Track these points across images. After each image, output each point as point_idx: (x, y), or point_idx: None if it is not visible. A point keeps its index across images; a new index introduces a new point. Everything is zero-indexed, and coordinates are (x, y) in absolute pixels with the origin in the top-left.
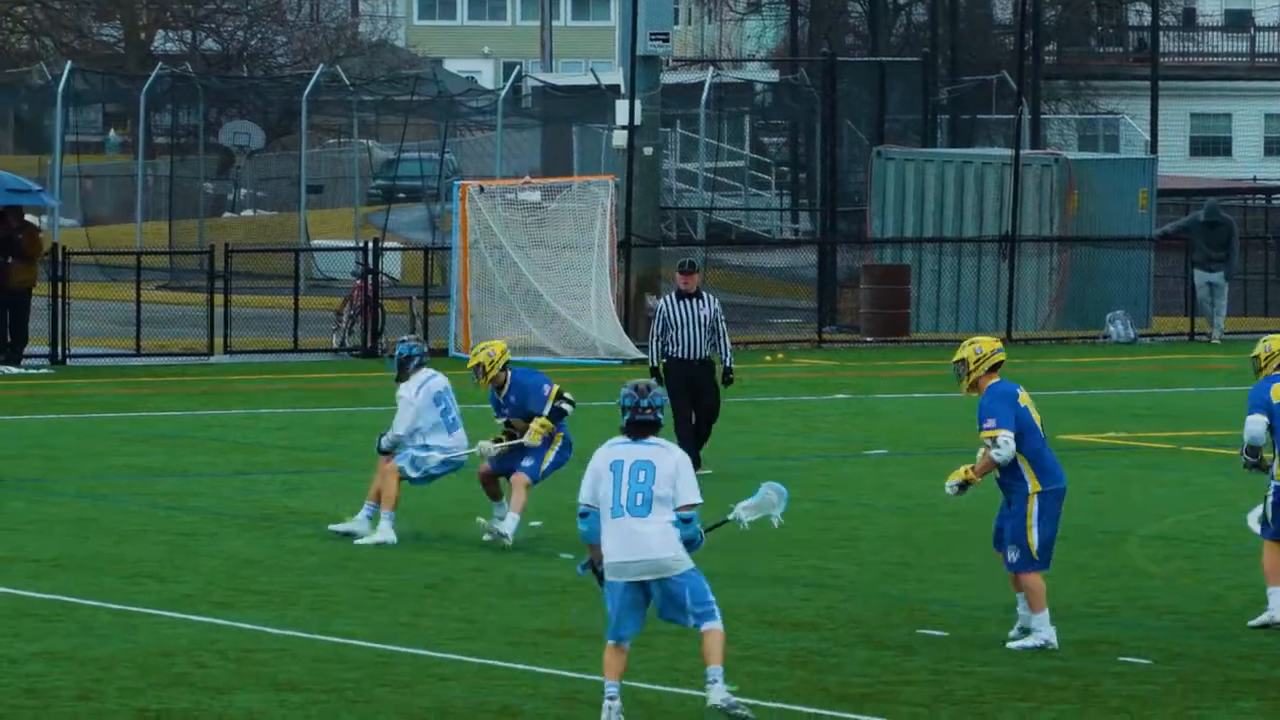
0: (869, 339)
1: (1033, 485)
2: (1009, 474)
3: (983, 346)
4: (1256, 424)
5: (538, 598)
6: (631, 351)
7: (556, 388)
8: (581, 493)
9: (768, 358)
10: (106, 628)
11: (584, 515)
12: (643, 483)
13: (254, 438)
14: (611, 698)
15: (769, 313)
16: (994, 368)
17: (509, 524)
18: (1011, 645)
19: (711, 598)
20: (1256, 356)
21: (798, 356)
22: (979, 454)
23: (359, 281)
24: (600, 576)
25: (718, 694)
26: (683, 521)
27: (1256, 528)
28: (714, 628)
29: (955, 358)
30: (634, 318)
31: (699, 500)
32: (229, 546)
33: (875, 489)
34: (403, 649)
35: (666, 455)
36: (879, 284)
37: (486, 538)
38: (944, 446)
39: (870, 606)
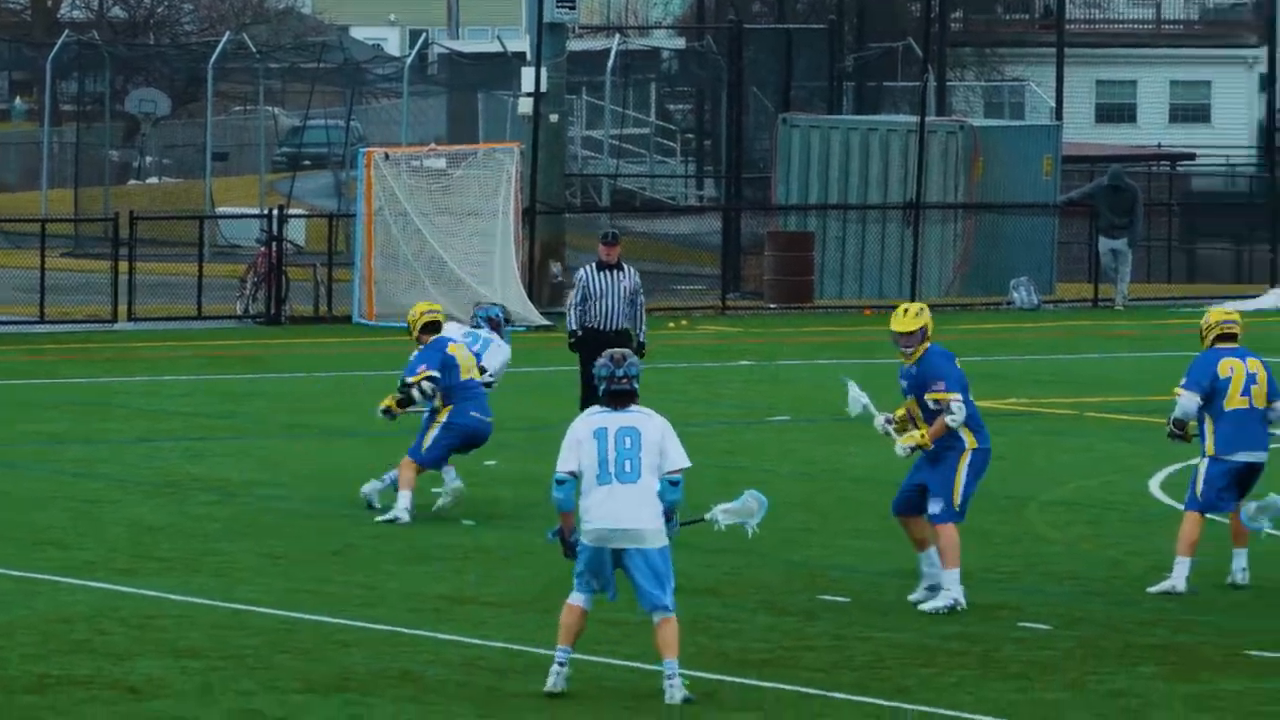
0: (773, 306)
1: (969, 442)
2: (947, 431)
3: (927, 311)
4: (1189, 401)
5: (439, 564)
6: (535, 318)
7: (425, 372)
8: (560, 461)
9: (671, 324)
10: (7, 595)
11: (561, 483)
12: (629, 449)
13: (158, 404)
14: (561, 663)
15: (673, 279)
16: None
17: (398, 501)
18: (922, 607)
19: (672, 586)
20: (1200, 326)
21: (702, 323)
22: (896, 414)
23: (263, 249)
24: (568, 546)
25: (678, 693)
26: (671, 485)
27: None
28: (669, 618)
29: (910, 328)
30: (538, 284)
31: (688, 464)
32: (132, 513)
33: (778, 455)
34: (305, 615)
35: (650, 422)
36: (783, 251)
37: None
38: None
39: (772, 572)
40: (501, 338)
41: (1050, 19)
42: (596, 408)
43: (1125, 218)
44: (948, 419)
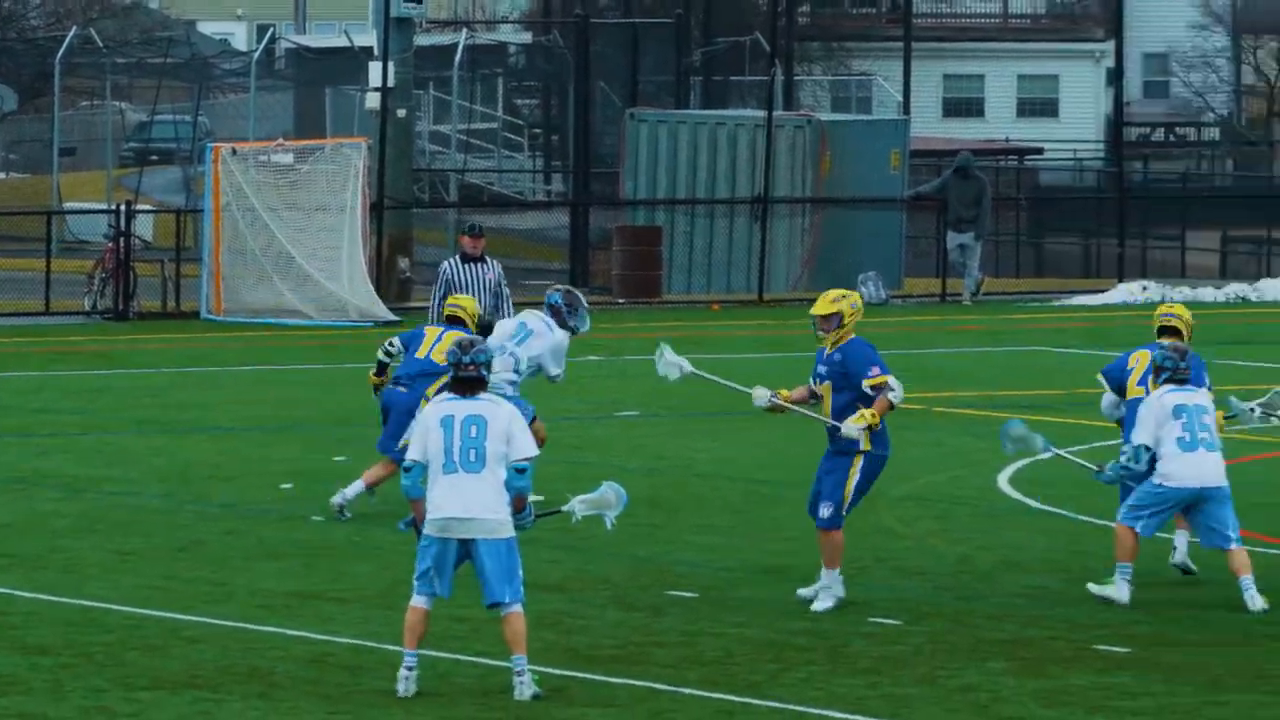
0: (621, 300)
1: (864, 444)
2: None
3: (857, 301)
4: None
5: (288, 560)
6: (383, 313)
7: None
8: (410, 449)
9: None
10: None
11: (408, 470)
12: (474, 438)
13: (4, 400)
14: (410, 667)
15: (522, 274)
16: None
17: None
18: (814, 607)
19: (520, 578)
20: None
21: None
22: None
23: (110, 244)
24: (420, 534)
25: (527, 689)
26: (518, 472)
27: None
28: (516, 612)
29: (829, 311)
30: (385, 280)
31: (535, 453)
32: None
33: (626, 450)
34: (153, 612)
35: (498, 410)
36: (631, 246)
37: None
38: (694, 408)
39: (619, 568)
40: (568, 324)
41: (898, 13)
42: (445, 394)
43: (973, 210)
44: (892, 396)
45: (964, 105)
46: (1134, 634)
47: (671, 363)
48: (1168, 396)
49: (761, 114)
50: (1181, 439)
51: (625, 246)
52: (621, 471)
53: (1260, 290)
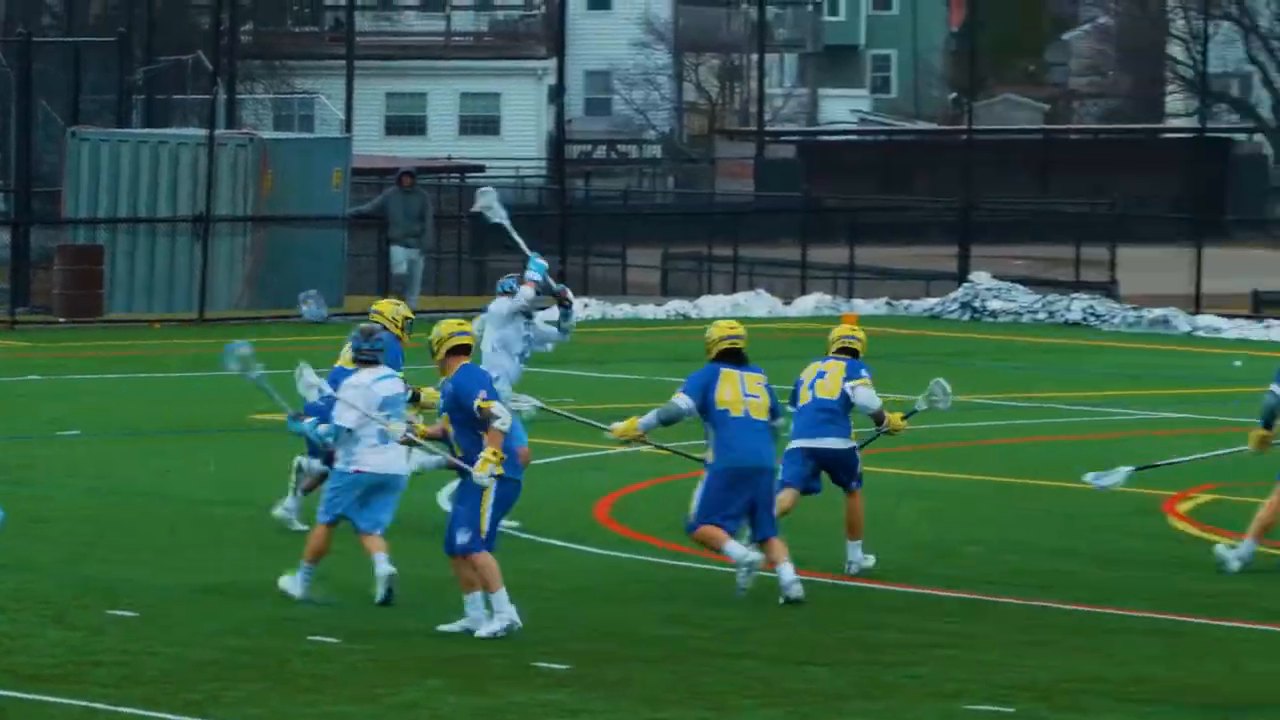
0: (62, 320)
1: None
2: (473, 448)
3: (442, 330)
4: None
5: None
6: None
7: None
8: None
9: None
10: None
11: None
12: None
13: None
14: None
15: None
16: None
17: None
18: (479, 633)
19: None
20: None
21: None
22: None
23: None
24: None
25: None
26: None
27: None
28: None
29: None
30: None
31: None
32: None
33: (67, 470)
34: None
35: None
36: (73, 265)
37: None
38: (137, 427)
39: (59, 587)
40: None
41: (340, 31)
42: None
43: (419, 224)
44: (499, 424)
45: (407, 123)
46: (571, 650)
47: (311, 384)
48: (376, 385)
49: (204, 133)
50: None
51: (67, 265)
52: (63, 490)
53: (700, 307)
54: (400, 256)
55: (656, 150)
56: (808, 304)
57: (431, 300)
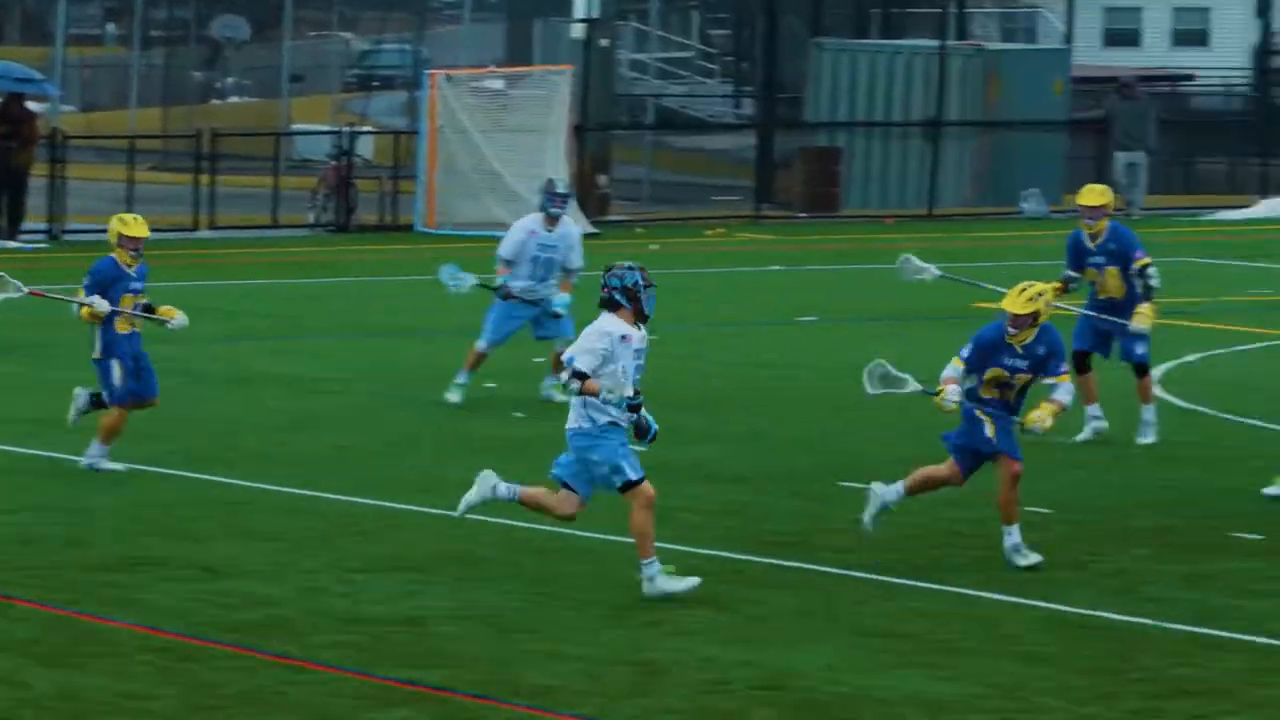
0: (803, 215)
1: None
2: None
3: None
4: None
5: (493, 455)
6: (586, 226)
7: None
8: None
9: (709, 232)
10: (94, 483)
11: None
12: None
13: (232, 305)
14: None
15: (712, 191)
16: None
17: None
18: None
19: None
20: None
21: (738, 231)
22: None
23: (333, 163)
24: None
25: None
26: None
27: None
28: None
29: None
30: (587, 196)
31: None
32: (213, 408)
33: (801, 351)
34: (366, 500)
35: None
36: (813, 164)
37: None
38: (870, 314)
39: (796, 461)
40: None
41: None
42: None
43: (1140, 128)
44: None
45: (1123, 36)
46: (1267, 522)
47: (920, 268)
48: None
49: (935, 44)
50: None
51: (808, 165)
52: (802, 371)
53: None
54: (1122, 160)
55: None
56: None
57: (1160, 198)
